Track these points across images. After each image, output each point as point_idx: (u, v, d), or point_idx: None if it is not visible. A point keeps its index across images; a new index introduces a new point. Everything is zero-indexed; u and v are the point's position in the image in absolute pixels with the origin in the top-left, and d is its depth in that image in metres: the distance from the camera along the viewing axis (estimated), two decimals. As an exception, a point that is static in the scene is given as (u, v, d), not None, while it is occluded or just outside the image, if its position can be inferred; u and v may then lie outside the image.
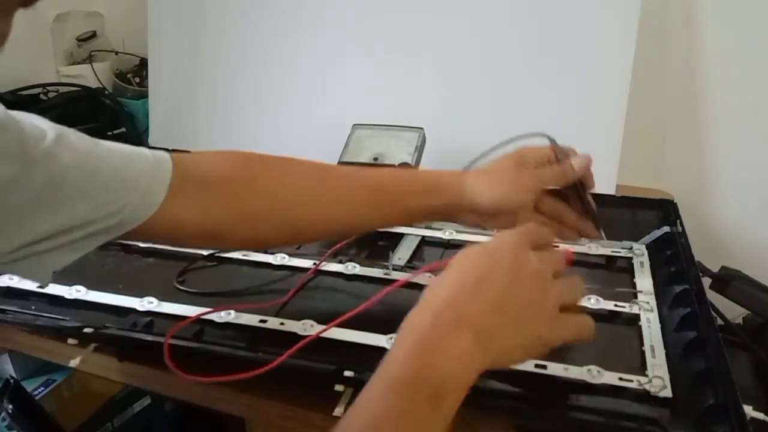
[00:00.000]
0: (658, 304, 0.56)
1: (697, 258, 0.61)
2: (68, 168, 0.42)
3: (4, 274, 0.44)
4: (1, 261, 0.41)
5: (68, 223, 0.42)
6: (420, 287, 0.41)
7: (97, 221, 0.43)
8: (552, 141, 0.59)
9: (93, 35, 1.10)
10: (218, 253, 0.65)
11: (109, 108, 1.04)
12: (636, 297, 0.57)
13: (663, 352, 0.49)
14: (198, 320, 0.54)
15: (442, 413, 0.35)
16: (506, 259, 0.41)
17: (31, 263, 0.42)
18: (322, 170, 0.55)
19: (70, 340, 0.55)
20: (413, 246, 0.67)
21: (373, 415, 0.34)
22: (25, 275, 0.44)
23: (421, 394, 0.35)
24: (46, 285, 0.44)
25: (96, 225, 0.43)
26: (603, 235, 0.60)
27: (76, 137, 0.44)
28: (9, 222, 0.40)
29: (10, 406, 0.77)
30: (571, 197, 0.60)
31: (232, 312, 0.54)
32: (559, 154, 0.59)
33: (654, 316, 0.54)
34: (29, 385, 0.84)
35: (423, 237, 0.69)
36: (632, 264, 0.63)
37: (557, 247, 0.52)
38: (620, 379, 0.46)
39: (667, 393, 0.45)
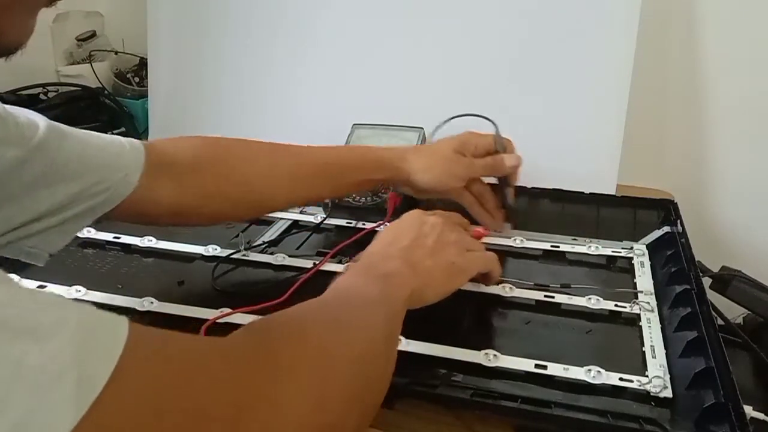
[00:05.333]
0: (658, 304, 0.56)
1: (697, 258, 0.61)
2: (60, 154, 0.47)
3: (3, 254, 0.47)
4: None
5: (61, 202, 0.47)
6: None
7: (85, 200, 0.49)
8: (496, 131, 0.65)
9: (93, 35, 1.10)
10: (217, 253, 0.65)
11: (109, 108, 1.04)
12: (636, 297, 0.57)
13: (663, 352, 0.49)
14: (198, 321, 0.53)
15: (390, 291, 0.43)
16: (407, 221, 0.53)
17: (26, 244, 0.47)
18: (276, 149, 0.62)
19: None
20: (413, 246, 0.67)
21: (336, 286, 0.44)
22: (23, 257, 0.48)
23: (373, 273, 0.45)
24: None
25: (84, 204, 0.49)
26: (508, 228, 0.68)
27: (63, 127, 0.49)
28: (17, 200, 0.45)
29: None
30: (495, 187, 0.68)
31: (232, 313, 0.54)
32: (498, 146, 0.67)
33: (654, 316, 0.54)
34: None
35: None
36: (632, 264, 0.63)
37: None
38: (620, 379, 0.46)
39: (667, 393, 0.45)
